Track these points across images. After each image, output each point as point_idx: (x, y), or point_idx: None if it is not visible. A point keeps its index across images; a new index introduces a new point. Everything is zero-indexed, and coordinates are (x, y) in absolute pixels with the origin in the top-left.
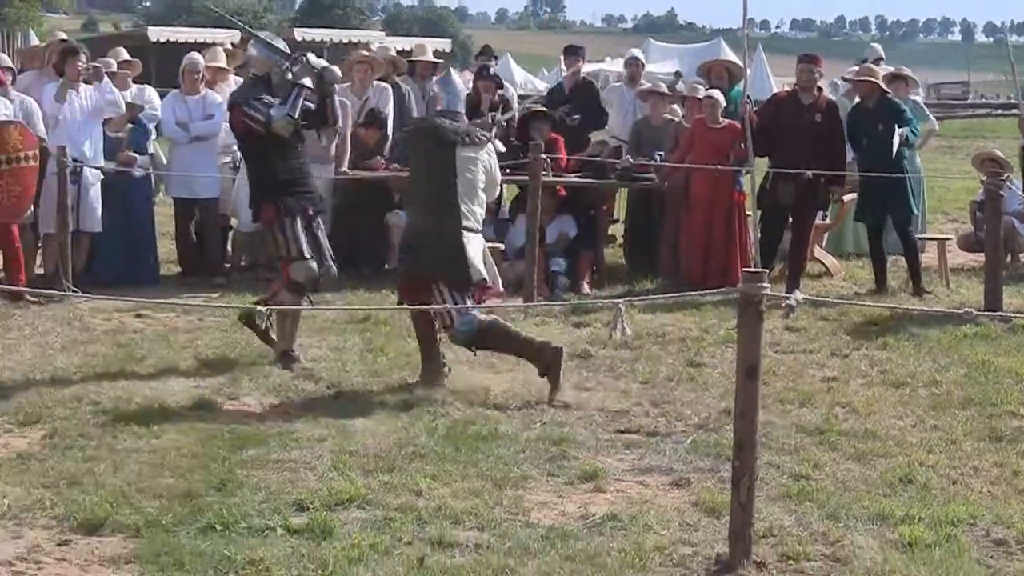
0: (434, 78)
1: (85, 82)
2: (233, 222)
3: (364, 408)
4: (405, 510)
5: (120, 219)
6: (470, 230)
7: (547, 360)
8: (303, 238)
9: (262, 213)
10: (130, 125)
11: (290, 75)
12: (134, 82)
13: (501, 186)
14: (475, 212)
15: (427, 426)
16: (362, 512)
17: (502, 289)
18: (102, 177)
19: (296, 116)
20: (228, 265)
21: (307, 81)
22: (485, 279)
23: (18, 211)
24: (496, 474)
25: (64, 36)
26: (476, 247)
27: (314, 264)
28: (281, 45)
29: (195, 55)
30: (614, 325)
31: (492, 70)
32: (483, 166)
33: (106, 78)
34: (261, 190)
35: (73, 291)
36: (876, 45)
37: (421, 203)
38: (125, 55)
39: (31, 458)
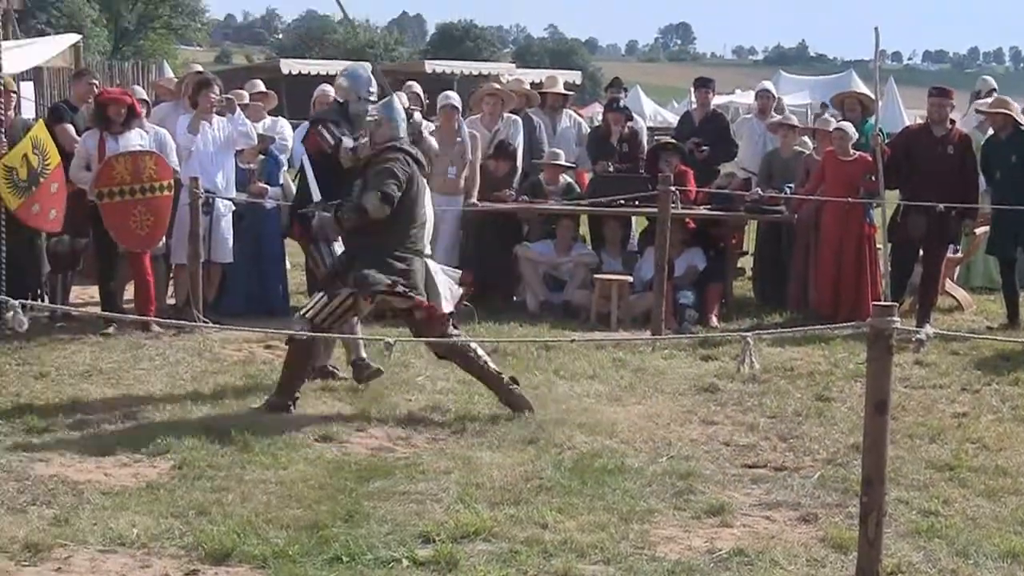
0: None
1: (218, 114)
2: None
3: (491, 441)
4: (531, 543)
5: (251, 250)
6: None
7: (511, 402)
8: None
9: (292, 227)
10: (262, 156)
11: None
12: (268, 114)
13: (629, 220)
14: None
15: (553, 459)
16: (488, 545)
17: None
18: (233, 208)
19: (359, 155)
20: None
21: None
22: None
23: (151, 241)
24: (622, 507)
25: (200, 68)
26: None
27: None
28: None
29: (327, 87)
30: (742, 358)
31: (622, 102)
32: None
33: (239, 110)
34: (302, 204)
35: (204, 322)
36: (988, 78)
37: None
38: (261, 87)
39: (160, 488)
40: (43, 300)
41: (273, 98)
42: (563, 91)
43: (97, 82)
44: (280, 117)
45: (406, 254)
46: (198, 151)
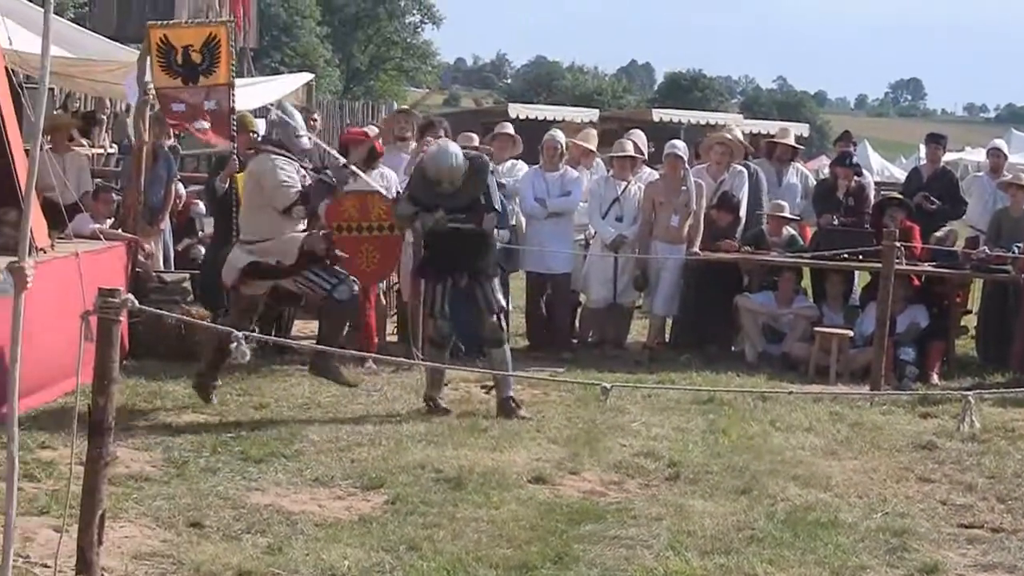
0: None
1: None
2: (582, 298)
3: (703, 489)
4: None
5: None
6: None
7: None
8: (439, 299)
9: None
10: None
11: None
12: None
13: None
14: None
15: (766, 510)
16: None
17: None
18: None
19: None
20: (575, 340)
21: None
22: None
23: (375, 277)
24: (834, 562)
25: (405, 107)
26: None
27: (442, 323)
28: None
29: (556, 132)
30: (962, 417)
31: (853, 159)
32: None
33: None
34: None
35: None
36: None
37: None
38: (509, 129)
39: (373, 521)
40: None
41: (519, 143)
42: (794, 144)
43: (317, 118)
44: (518, 160)
45: None
46: None
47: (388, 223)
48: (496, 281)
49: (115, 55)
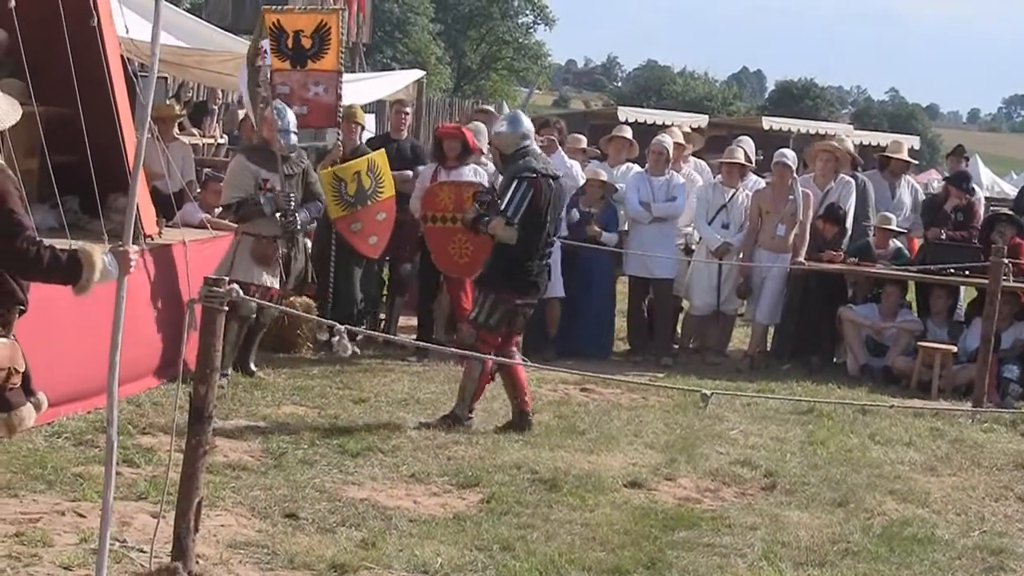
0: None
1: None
2: (685, 304)
3: (799, 500)
4: None
5: (581, 292)
6: None
7: None
8: (495, 315)
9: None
10: (602, 200)
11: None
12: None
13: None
14: None
15: (862, 524)
16: None
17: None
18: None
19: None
20: (676, 346)
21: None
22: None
23: (469, 269)
24: None
25: (485, 107)
26: None
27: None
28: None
29: (664, 136)
30: None
31: (970, 182)
32: None
33: (561, 151)
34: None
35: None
36: None
37: None
38: (627, 133)
39: (467, 520)
40: (367, 326)
41: (635, 147)
42: (908, 158)
43: (408, 111)
44: (635, 164)
45: None
46: None
47: None
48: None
49: (229, 46)
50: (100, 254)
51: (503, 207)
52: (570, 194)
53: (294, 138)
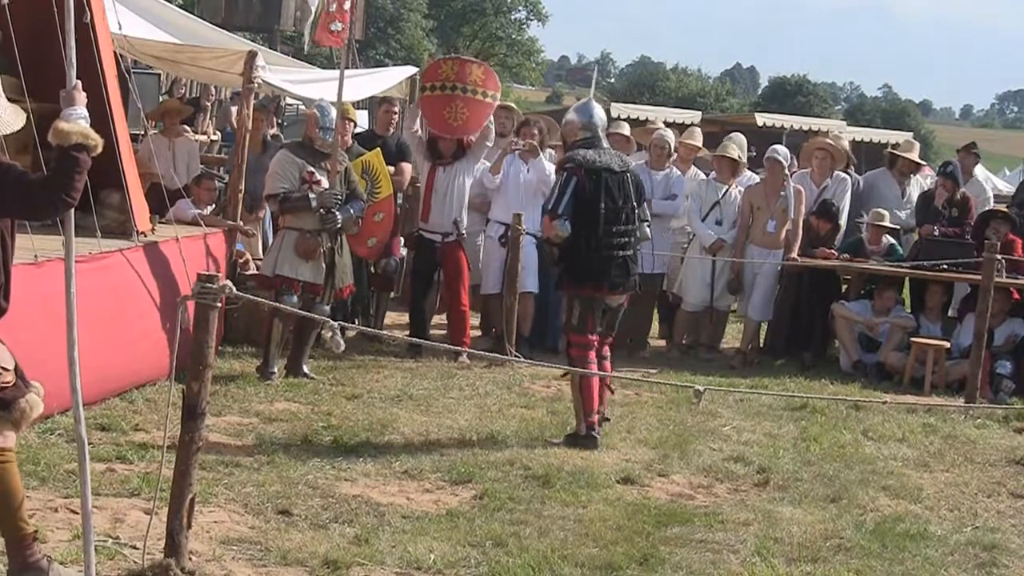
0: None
1: (520, 158)
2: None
3: (792, 496)
4: None
5: None
6: None
7: None
8: (575, 313)
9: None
10: None
11: None
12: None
13: (951, 286)
14: None
15: (855, 519)
16: None
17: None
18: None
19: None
20: (665, 341)
21: None
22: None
23: (459, 131)
24: (922, 574)
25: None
26: None
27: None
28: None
29: (666, 131)
30: None
31: (949, 167)
32: None
33: (542, 156)
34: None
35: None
36: None
37: None
38: (624, 130)
39: (460, 516)
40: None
41: (632, 143)
42: (917, 160)
43: (397, 110)
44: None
45: None
46: (505, 189)
47: (482, 89)
48: None
49: (222, 43)
50: (59, 122)
51: (545, 202)
52: None
53: (348, 138)
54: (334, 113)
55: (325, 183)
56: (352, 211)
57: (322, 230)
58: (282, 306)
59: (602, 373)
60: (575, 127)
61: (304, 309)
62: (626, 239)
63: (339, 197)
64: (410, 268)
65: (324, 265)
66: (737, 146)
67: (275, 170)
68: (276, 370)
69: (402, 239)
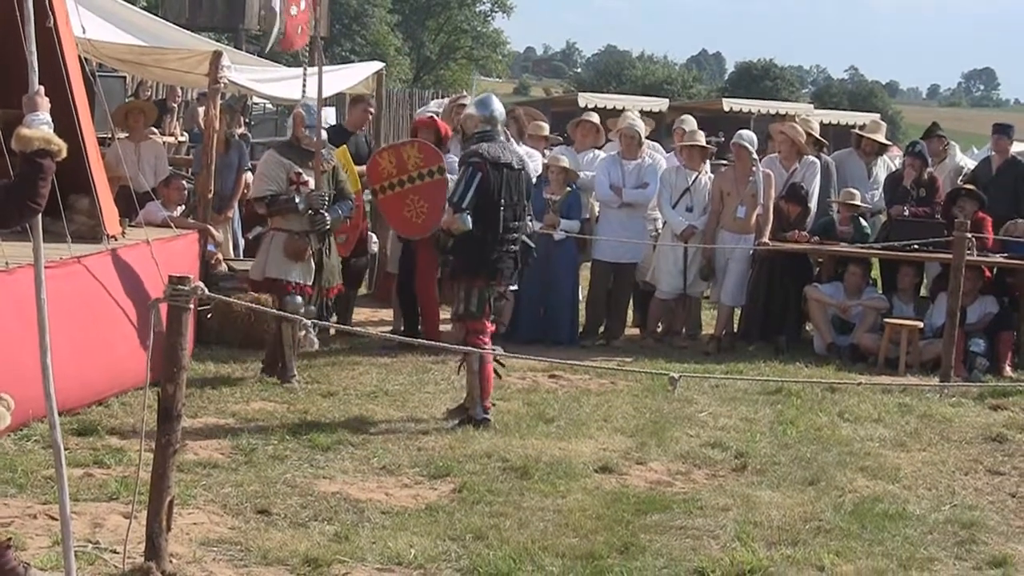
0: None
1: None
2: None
3: (770, 480)
4: None
5: (541, 280)
6: None
7: None
8: (473, 301)
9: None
10: (568, 189)
11: None
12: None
13: (923, 266)
14: None
15: (834, 501)
16: None
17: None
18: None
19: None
20: (639, 329)
21: None
22: None
23: (426, 228)
24: (902, 554)
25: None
26: None
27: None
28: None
29: (636, 121)
30: None
31: (917, 147)
32: None
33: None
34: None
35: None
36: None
37: None
38: (594, 119)
39: (440, 510)
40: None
41: (602, 133)
42: (882, 140)
43: (372, 109)
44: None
45: None
46: None
47: (426, 169)
48: None
49: (187, 44)
50: (22, 128)
51: (450, 195)
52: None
53: (324, 135)
54: (319, 113)
55: (312, 184)
56: (340, 212)
57: (311, 231)
58: (287, 313)
59: (557, 361)
60: (476, 120)
61: (280, 309)
62: (517, 234)
63: (326, 198)
64: (399, 264)
65: (312, 266)
66: (701, 132)
67: (262, 172)
68: (296, 372)
69: (373, 235)
